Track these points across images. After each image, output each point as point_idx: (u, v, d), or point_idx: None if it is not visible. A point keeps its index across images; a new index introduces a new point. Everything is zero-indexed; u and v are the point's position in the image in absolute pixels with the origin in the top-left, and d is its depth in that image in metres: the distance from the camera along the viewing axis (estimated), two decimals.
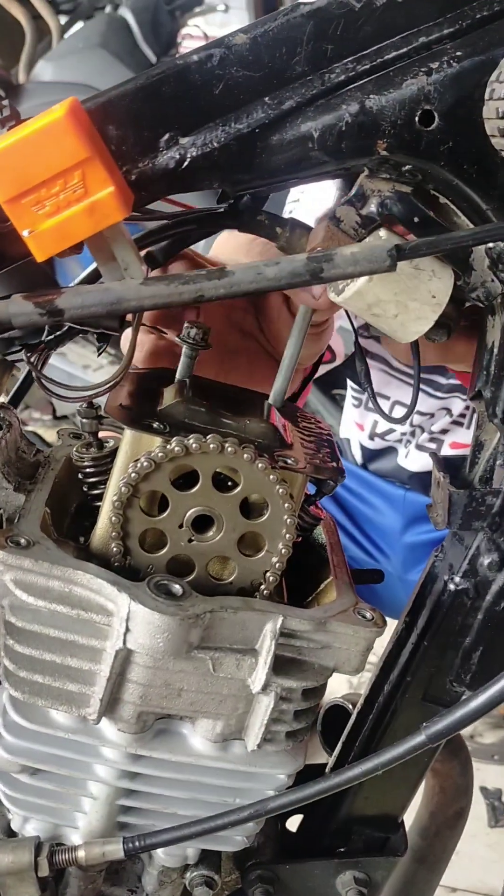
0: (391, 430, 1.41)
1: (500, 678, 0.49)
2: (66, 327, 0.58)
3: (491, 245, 0.54)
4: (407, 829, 1.00)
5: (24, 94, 2.71)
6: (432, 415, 1.36)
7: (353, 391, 1.47)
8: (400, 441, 1.42)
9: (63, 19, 3.58)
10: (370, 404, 1.42)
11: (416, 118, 0.49)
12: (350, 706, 0.81)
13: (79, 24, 3.51)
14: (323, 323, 0.69)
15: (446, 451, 1.38)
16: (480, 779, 2.04)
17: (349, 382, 1.47)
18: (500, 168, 0.50)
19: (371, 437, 1.43)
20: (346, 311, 0.63)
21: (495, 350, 0.59)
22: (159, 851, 0.63)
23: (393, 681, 0.70)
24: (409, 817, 0.97)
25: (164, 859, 0.63)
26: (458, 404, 1.34)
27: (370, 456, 1.47)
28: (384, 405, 1.34)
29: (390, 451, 1.44)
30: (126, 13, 3.03)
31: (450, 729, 0.53)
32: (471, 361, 0.61)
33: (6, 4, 3.41)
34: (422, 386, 1.35)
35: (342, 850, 0.76)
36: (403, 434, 1.40)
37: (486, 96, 0.48)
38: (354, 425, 1.47)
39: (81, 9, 3.56)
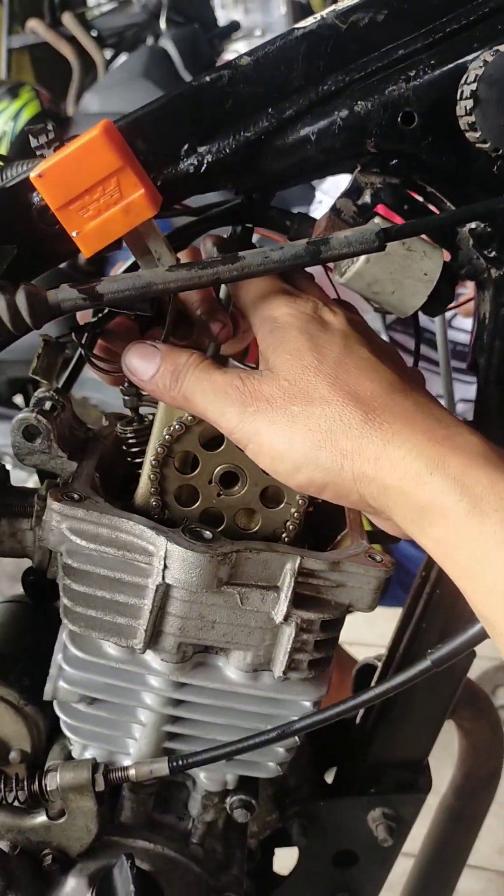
0: None
1: None
2: (106, 310, 0.68)
3: (473, 226, 0.61)
4: (442, 792, 1.06)
5: (73, 126, 2.86)
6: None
7: None
8: None
9: (108, 53, 3.75)
10: None
11: (399, 119, 0.57)
12: (378, 663, 0.88)
13: (123, 57, 3.68)
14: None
15: None
16: None
17: None
18: (474, 157, 0.58)
19: None
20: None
21: (486, 321, 0.66)
22: (201, 776, 0.71)
23: (411, 629, 0.77)
24: (445, 781, 1.03)
25: (206, 784, 0.71)
26: None
27: None
28: None
29: None
30: (167, 43, 3.17)
31: (453, 654, 0.60)
32: None
33: (55, 44, 3.60)
34: (466, 377, 1.42)
35: (373, 791, 0.83)
36: None
37: (458, 96, 0.56)
38: None
39: (125, 42, 3.73)
